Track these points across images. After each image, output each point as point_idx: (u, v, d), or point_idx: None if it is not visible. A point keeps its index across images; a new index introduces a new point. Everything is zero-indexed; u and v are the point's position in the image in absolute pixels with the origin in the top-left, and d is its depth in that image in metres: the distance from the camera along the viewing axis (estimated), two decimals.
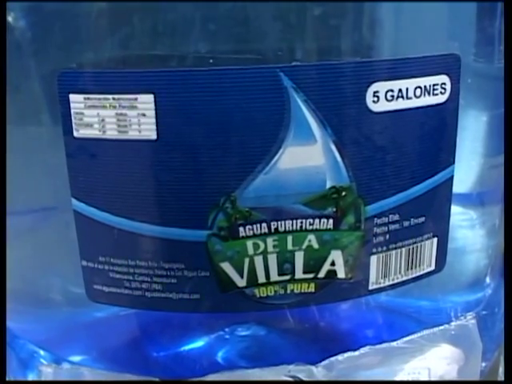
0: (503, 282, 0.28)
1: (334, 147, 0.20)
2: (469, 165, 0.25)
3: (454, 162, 0.23)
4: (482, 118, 0.25)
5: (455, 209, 0.24)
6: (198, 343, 0.24)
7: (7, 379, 0.27)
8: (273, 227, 0.20)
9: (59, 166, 0.21)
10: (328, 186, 0.20)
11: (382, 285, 0.23)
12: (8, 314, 0.24)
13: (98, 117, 0.20)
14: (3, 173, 0.22)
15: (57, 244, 0.23)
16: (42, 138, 0.22)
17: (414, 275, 0.23)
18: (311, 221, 0.20)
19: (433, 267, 0.24)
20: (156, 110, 0.19)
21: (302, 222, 0.20)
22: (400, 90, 0.21)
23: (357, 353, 0.21)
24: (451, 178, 0.23)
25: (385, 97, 0.20)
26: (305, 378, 0.21)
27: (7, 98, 0.21)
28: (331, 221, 0.21)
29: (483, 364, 0.29)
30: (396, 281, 0.23)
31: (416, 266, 0.23)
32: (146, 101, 0.19)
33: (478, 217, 0.26)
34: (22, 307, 0.25)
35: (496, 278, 0.28)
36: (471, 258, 0.26)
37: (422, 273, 0.24)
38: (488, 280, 0.27)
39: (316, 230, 0.21)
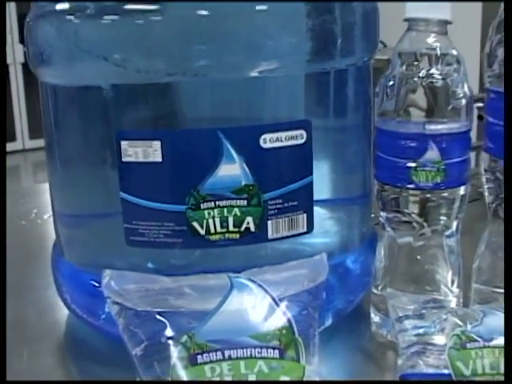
0: (363, 243, 0.50)
1: (245, 166, 0.43)
2: (324, 180, 0.47)
3: (311, 174, 0.45)
4: (331, 152, 0.47)
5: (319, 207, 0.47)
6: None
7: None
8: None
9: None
10: (243, 184, 0.43)
11: (278, 235, 0.45)
12: None
13: (134, 151, 0.43)
14: (3, 173, 0.44)
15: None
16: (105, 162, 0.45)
17: (294, 233, 0.46)
18: None
19: (305, 230, 0.46)
20: (161, 149, 0.42)
21: None
22: (278, 137, 0.43)
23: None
24: (311, 182, 0.45)
25: (270, 140, 0.43)
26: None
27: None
28: (245, 201, 0.43)
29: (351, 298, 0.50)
30: (283, 235, 0.45)
31: (295, 228, 0.46)
32: (156, 145, 0.42)
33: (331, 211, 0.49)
34: None
35: (346, 240, 0.50)
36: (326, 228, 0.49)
37: (299, 232, 0.46)
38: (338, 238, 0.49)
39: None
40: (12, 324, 0.54)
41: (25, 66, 4.51)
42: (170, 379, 0.38)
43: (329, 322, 0.49)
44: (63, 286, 0.52)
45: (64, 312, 0.55)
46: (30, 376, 0.48)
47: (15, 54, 4.41)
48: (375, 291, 0.52)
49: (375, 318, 0.52)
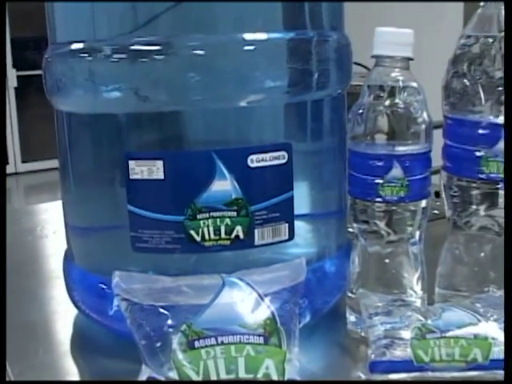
0: (339, 252, 0.57)
1: (235, 183, 0.50)
2: (304, 196, 0.55)
3: (292, 189, 0.52)
4: (309, 172, 0.55)
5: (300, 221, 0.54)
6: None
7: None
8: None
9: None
10: (233, 198, 0.50)
11: (264, 241, 0.52)
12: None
13: (140, 169, 0.50)
14: (3, 173, 0.51)
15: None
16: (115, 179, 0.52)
17: (277, 240, 0.53)
18: None
19: (287, 237, 0.53)
20: (164, 168, 0.49)
21: None
22: (263, 158, 0.51)
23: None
24: (292, 196, 0.53)
25: (256, 160, 0.50)
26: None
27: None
28: (235, 212, 0.51)
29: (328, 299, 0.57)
30: (268, 241, 0.52)
31: (278, 236, 0.53)
32: (159, 165, 0.50)
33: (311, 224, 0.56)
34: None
35: (323, 249, 0.57)
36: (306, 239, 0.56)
37: (281, 239, 0.53)
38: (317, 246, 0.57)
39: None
40: (26, 324, 0.61)
41: (18, 90, 4.59)
42: (171, 362, 0.45)
43: (308, 319, 0.55)
44: (74, 289, 0.59)
45: (72, 313, 0.62)
46: (44, 367, 0.55)
47: (8, 79, 4.48)
48: (350, 294, 0.59)
49: (350, 317, 0.59)
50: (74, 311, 0.61)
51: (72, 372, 0.55)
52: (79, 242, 0.59)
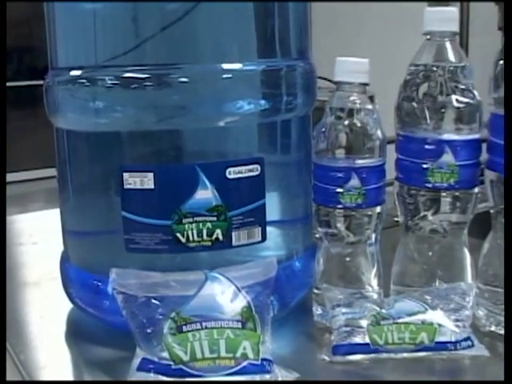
0: (306, 253, 0.65)
1: (215, 192, 0.58)
2: (275, 205, 0.63)
3: (264, 197, 0.61)
4: (279, 183, 0.63)
5: (271, 227, 0.62)
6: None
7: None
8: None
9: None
10: (214, 205, 0.58)
11: (240, 242, 0.60)
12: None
13: (133, 180, 0.58)
14: (3, 174, 0.57)
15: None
16: (110, 189, 0.60)
17: (251, 241, 0.61)
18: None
19: (260, 239, 0.61)
20: (154, 179, 0.57)
21: None
22: (239, 170, 0.59)
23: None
24: (264, 203, 0.61)
25: (233, 172, 0.58)
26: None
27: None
28: (215, 217, 0.59)
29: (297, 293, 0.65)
30: (243, 242, 0.60)
31: (252, 238, 0.61)
32: (150, 176, 0.57)
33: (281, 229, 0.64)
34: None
35: (292, 250, 0.65)
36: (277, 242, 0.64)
37: (255, 241, 0.61)
38: (286, 248, 0.65)
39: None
40: (25, 318, 0.68)
41: None
42: (163, 345, 0.52)
43: (279, 311, 0.63)
44: (70, 286, 0.66)
45: (67, 307, 0.69)
46: (44, 355, 0.62)
47: None
48: (316, 290, 0.67)
49: (316, 310, 0.67)
50: (66, 309, 0.69)
51: (67, 357, 0.63)
52: (76, 244, 0.66)
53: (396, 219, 0.69)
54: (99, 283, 0.62)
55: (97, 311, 0.64)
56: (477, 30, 2.17)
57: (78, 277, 0.65)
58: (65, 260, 0.68)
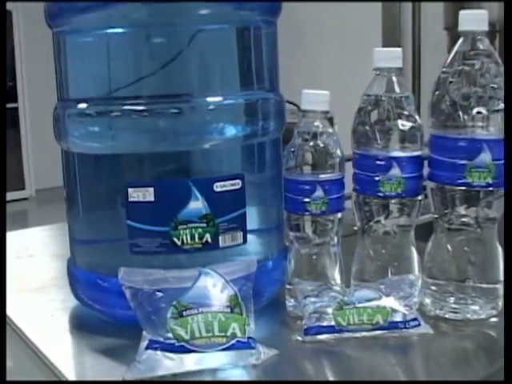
0: (279, 254, 0.78)
1: (205, 202, 0.70)
2: (253, 215, 0.75)
3: (245, 207, 0.73)
4: (256, 195, 0.75)
5: (250, 234, 0.74)
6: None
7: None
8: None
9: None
10: (204, 213, 0.70)
11: (226, 244, 0.72)
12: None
13: (137, 194, 0.69)
14: (3, 173, 0.69)
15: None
16: (116, 202, 0.71)
17: (236, 243, 0.73)
18: None
19: (242, 241, 0.73)
20: (154, 193, 0.69)
21: None
22: (224, 185, 0.71)
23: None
24: (245, 212, 0.73)
25: (220, 186, 0.71)
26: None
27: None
28: (205, 224, 0.71)
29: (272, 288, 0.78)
30: (228, 244, 0.72)
31: (236, 241, 0.73)
32: (151, 190, 0.69)
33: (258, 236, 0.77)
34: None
35: (267, 252, 0.78)
36: (255, 246, 0.77)
37: (238, 243, 0.73)
38: (263, 250, 0.77)
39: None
40: (37, 316, 0.79)
41: None
42: (167, 327, 0.64)
43: (257, 303, 0.75)
44: (77, 286, 0.78)
45: (71, 307, 0.81)
46: (52, 342, 0.74)
47: None
48: (288, 286, 0.79)
49: (289, 302, 0.79)
50: (71, 309, 0.80)
51: (76, 344, 0.74)
52: (84, 250, 0.78)
53: (355, 228, 0.82)
54: (104, 282, 0.73)
55: (101, 306, 0.75)
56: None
57: (85, 277, 0.77)
58: (72, 264, 0.79)
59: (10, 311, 0.80)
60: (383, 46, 2.65)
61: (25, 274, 1.00)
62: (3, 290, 0.82)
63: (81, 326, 0.78)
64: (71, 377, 0.66)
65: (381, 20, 2.68)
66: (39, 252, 1.09)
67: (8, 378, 0.76)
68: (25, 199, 4.98)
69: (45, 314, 0.81)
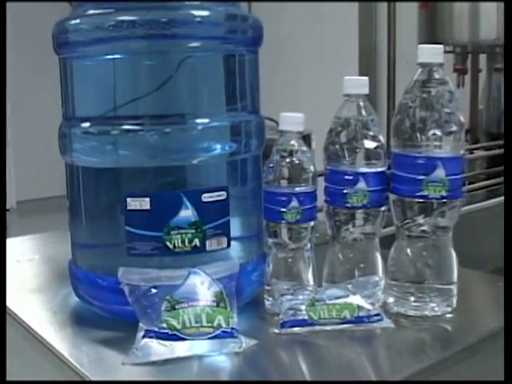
0: (258, 258, 0.88)
1: (194, 211, 0.80)
2: (236, 224, 0.85)
3: (229, 215, 0.83)
4: (239, 205, 0.85)
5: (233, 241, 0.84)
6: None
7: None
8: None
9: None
10: (193, 221, 0.80)
11: (212, 248, 0.82)
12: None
13: (134, 203, 0.79)
14: (3, 172, 0.78)
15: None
16: (116, 210, 0.81)
17: (221, 247, 0.83)
18: None
19: (226, 246, 0.83)
20: (150, 202, 0.79)
21: None
22: (211, 196, 0.81)
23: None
24: (229, 220, 0.83)
25: (207, 197, 0.81)
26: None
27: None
28: (194, 230, 0.80)
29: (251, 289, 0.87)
30: (214, 248, 0.82)
31: (221, 245, 0.83)
32: (147, 200, 0.79)
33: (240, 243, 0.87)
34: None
35: (248, 257, 0.87)
36: (237, 251, 0.87)
37: (223, 247, 0.83)
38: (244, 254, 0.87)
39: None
40: (41, 312, 0.88)
41: None
42: (161, 318, 0.73)
43: (238, 301, 0.85)
44: (78, 285, 0.87)
45: (72, 305, 0.90)
46: (56, 335, 0.82)
47: None
48: (267, 287, 0.89)
49: (267, 301, 0.88)
50: (71, 306, 0.90)
51: (77, 336, 0.83)
52: (85, 253, 0.88)
53: (327, 237, 0.92)
54: (103, 281, 0.83)
55: (100, 302, 0.84)
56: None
57: (86, 277, 0.86)
58: (73, 265, 0.89)
59: (16, 309, 0.89)
60: (359, 66, 2.79)
61: (25, 276, 1.09)
62: (3, 290, 0.91)
63: (81, 320, 0.87)
64: (75, 363, 0.75)
65: (357, 40, 2.81)
66: (34, 257, 1.17)
67: (15, 368, 0.86)
68: (6, 210, 5.03)
69: (48, 311, 0.90)
